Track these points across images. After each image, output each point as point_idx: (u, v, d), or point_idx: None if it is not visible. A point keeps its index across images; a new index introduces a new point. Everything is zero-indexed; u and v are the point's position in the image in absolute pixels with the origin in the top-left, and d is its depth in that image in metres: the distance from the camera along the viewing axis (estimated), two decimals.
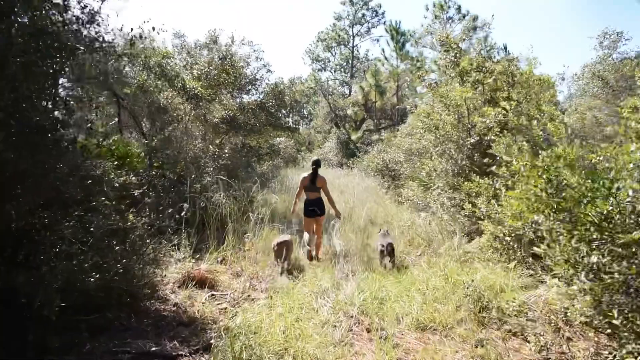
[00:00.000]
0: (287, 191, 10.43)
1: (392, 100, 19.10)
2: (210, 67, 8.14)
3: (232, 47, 8.39)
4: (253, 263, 4.96)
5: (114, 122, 7.02)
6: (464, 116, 6.45)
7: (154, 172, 6.44)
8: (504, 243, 4.62)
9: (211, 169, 6.89)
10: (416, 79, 9.19)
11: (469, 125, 6.46)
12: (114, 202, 3.49)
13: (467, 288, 3.41)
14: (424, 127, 6.57)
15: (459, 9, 21.47)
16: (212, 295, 3.97)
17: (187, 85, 7.62)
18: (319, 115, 26.37)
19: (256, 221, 5.77)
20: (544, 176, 2.77)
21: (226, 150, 7.54)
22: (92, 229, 2.98)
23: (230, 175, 7.77)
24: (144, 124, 8.28)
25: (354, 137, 19.33)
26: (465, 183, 5.60)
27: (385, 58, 19.10)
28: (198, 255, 4.92)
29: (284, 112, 9.02)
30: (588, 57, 50.19)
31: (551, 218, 2.72)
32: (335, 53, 36.11)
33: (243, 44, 8.99)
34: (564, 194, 2.62)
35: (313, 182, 5.57)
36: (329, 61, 37.54)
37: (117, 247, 3.22)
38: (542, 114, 5.22)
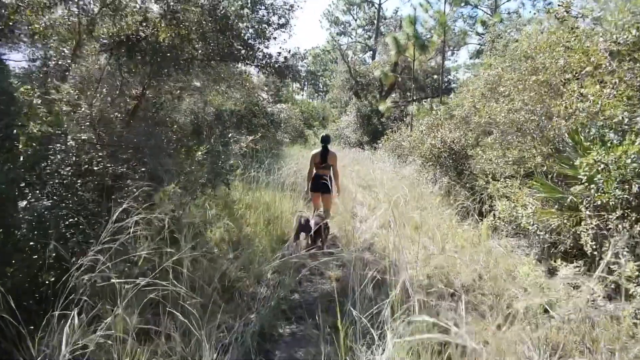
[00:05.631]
0: (279, 187, 6.26)
1: (434, 61, 14.39)
2: None
3: None
4: None
5: None
6: None
7: None
8: None
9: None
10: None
11: None
12: None
13: None
14: None
15: None
16: None
17: None
18: (336, 85, 21.74)
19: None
20: None
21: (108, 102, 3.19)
22: None
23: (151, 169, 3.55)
24: None
25: (381, 107, 14.69)
26: None
27: (428, 2, 14.25)
28: None
29: (243, 30, 4.44)
30: None
31: None
32: (357, 15, 31.28)
33: None
34: None
35: (324, 159, 5.31)
36: (349, 25, 32.64)
37: None
38: None
